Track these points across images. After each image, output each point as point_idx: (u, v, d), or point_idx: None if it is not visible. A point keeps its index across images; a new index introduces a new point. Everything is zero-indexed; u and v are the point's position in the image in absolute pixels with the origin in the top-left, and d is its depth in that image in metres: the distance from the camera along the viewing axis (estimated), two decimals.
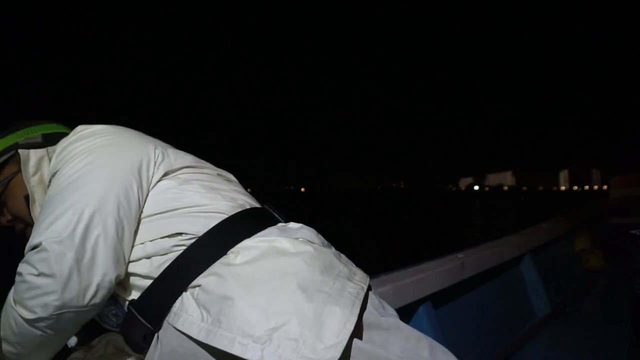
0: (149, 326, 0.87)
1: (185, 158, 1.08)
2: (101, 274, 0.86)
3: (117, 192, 0.91)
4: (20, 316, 0.85)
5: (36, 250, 0.85)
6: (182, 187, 0.99)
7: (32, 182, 1.05)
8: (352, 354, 0.81)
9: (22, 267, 0.86)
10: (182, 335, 0.81)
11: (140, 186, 0.95)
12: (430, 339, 0.93)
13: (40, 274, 0.83)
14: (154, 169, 0.99)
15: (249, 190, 1.15)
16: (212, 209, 0.96)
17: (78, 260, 0.84)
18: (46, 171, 1.05)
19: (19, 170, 1.09)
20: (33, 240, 0.87)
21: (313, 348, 0.76)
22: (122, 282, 0.93)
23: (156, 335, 0.86)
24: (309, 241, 0.95)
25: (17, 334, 0.88)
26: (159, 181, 0.99)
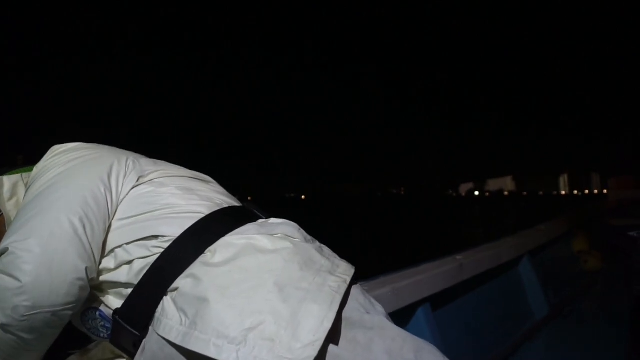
0: (137, 333, 0.86)
1: (159, 164, 1.08)
2: (72, 272, 0.85)
3: (84, 194, 0.92)
4: None
5: (4, 255, 0.85)
6: (157, 190, 0.99)
7: (8, 207, 1.06)
8: None
9: None
10: (163, 340, 0.81)
11: (109, 189, 0.95)
12: (418, 340, 0.90)
13: (9, 277, 0.82)
14: (125, 176, 1.00)
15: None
16: (188, 210, 0.95)
17: (47, 259, 0.83)
18: (22, 195, 1.05)
19: (1, 213, 1.08)
20: (1, 246, 0.86)
21: (289, 347, 0.74)
22: (106, 292, 0.92)
23: (143, 341, 0.85)
24: (289, 236, 0.93)
25: None
26: (134, 187, 0.99)
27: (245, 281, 0.82)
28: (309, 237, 1.00)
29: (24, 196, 1.00)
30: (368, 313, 0.90)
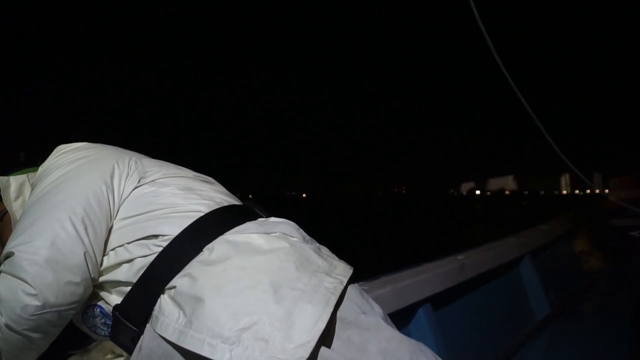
0: (135, 329, 0.87)
1: (161, 165, 1.09)
2: (77, 273, 0.87)
3: (87, 195, 0.93)
4: (1, 322, 0.86)
5: (11, 257, 0.87)
6: (159, 190, 1.00)
7: (15, 207, 1.07)
8: None
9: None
10: (160, 338, 0.82)
11: (111, 190, 0.97)
12: (414, 342, 0.90)
13: (17, 279, 0.84)
14: (127, 177, 1.01)
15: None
16: (188, 209, 0.96)
17: (51, 261, 0.85)
18: (28, 195, 1.06)
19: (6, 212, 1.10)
20: (6, 249, 0.88)
21: (282, 348, 0.75)
22: (107, 290, 0.94)
23: (140, 338, 0.87)
24: (288, 235, 0.94)
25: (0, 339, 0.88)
26: (136, 187, 1.00)
27: (240, 280, 0.83)
28: (307, 237, 1.01)
29: (29, 196, 1.01)
30: (364, 313, 0.90)
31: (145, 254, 0.91)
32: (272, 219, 1.01)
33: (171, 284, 0.86)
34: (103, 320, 0.96)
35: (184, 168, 1.13)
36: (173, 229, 0.92)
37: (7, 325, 0.86)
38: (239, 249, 0.88)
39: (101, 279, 0.94)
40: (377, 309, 0.94)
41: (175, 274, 0.86)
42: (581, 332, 2.99)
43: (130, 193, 0.99)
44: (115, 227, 0.96)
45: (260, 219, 1.00)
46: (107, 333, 0.96)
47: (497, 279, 2.70)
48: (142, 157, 1.09)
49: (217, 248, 0.88)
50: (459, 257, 2.37)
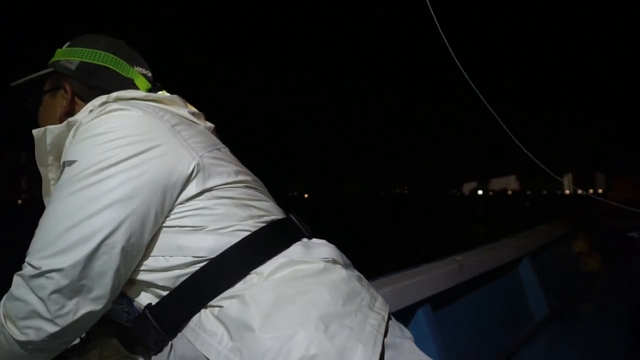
0: (163, 334, 0.86)
1: (222, 165, 1.00)
2: (98, 304, 0.85)
3: (132, 217, 0.86)
4: (11, 335, 0.84)
5: (35, 273, 0.82)
6: (213, 202, 0.94)
7: (48, 161, 1.02)
8: None
9: (19, 286, 0.84)
10: (198, 351, 0.81)
11: (161, 208, 0.90)
12: None
13: (38, 299, 0.82)
14: (182, 188, 0.93)
15: None
16: (238, 228, 0.93)
17: (77, 290, 0.83)
18: (67, 144, 0.97)
19: (59, 87, 1.10)
20: (33, 258, 0.83)
21: None
22: (139, 288, 0.92)
23: (170, 343, 0.86)
24: (335, 262, 0.94)
25: (7, 351, 0.87)
26: (190, 199, 0.93)
27: (291, 315, 0.82)
28: (347, 260, 1.01)
29: (64, 168, 0.92)
30: (398, 337, 0.92)
31: (186, 267, 0.88)
32: (315, 240, 1.00)
33: (215, 302, 0.85)
34: (126, 309, 0.94)
35: (243, 169, 1.06)
36: (220, 246, 0.89)
37: (17, 342, 0.84)
38: (287, 278, 0.87)
39: (133, 276, 0.91)
40: (407, 333, 0.96)
41: (220, 293, 0.85)
42: (580, 333, 3.00)
43: (184, 202, 0.93)
44: (160, 232, 0.91)
45: (304, 239, 0.99)
46: (125, 320, 0.95)
47: (496, 280, 2.71)
48: (204, 155, 0.97)
49: (266, 273, 0.87)
50: (458, 258, 2.38)
